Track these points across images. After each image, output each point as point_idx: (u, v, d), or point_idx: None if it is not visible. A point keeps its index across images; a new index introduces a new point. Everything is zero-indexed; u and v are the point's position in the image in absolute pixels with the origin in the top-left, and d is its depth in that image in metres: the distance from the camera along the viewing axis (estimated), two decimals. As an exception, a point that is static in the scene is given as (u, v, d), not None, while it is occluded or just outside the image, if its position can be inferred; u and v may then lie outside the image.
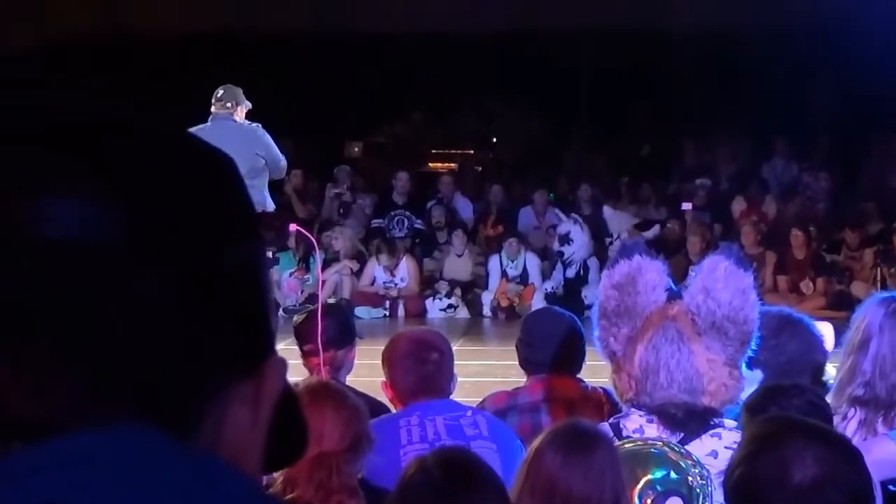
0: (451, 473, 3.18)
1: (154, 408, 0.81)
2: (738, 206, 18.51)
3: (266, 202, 10.61)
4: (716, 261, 4.25)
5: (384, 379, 4.86)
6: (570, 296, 16.19)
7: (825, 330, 4.64)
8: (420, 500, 3.17)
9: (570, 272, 17.04)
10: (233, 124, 11.00)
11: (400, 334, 5.10)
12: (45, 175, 0.81)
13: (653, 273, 4.31)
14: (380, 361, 4.90)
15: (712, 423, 4.10)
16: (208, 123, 11.03)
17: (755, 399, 3.75)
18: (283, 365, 0.90)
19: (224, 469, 0.82)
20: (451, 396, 4.86)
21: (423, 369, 4.70)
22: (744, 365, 4.22)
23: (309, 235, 7.26)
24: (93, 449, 0.77)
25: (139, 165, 0.84)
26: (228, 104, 11.09)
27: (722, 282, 4.18)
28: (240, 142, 10.70)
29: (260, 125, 11.11)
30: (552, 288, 16.62)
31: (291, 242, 15.60)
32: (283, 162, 11.24)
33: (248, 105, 11.23)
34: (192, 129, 10.69)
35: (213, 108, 11.14)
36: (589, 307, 12.80)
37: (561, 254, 17.03)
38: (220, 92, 11.20)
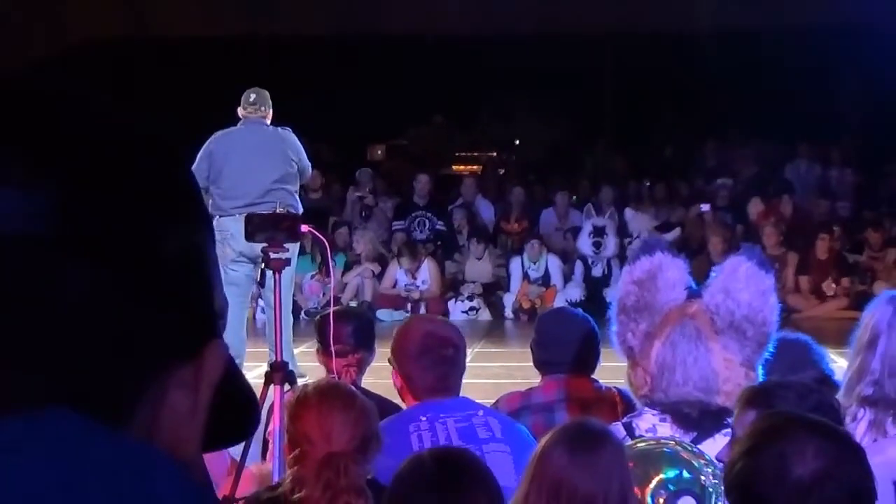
0: (444, 469, 3.18)
1: (84, 395, 0.80)
2: (755, 207, 18.35)
3: (297, 206, 10.45)
4: (737, 262, 4.26)
5: (394, 368, 4.75)
6: (594, 297, 16.14)
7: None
8: (412, 493, 3.19)
9: (597, 271, 16.99)
10: (268, 129, 10.81)
11: (411, 324, 4.96)
12: None
13: (674, 270, 4.32)
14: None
15: (726, 422, 4.10)
16: (239, 126, 10.84)
17: (756, 393, 3.66)
18: (223, 347, 0.89)
19: (154, 455, 0.81)
20: (470, 397, 4.81)
21: (439, 369, 4.63)
22: (760, 368, 4.22)
23: (321, 237, 7.20)
24: (16, 436, 0.76)
25: (73, 151, 0.82)
26: (262, 108, 10.85)
27: (742, 282, 4.19)
28: (276, 146, 10.64)
29: (290, 130, 10.88)
30: (577, 298, 16.50)
31: (308, 245, 15.52)
32: (310, 168, 11.11)
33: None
34: (223, 132, 10.68)
35: (242, 112, 10.88)
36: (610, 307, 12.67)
37: (598, 244, 16.99)
38: (253, 96, 10.91)
